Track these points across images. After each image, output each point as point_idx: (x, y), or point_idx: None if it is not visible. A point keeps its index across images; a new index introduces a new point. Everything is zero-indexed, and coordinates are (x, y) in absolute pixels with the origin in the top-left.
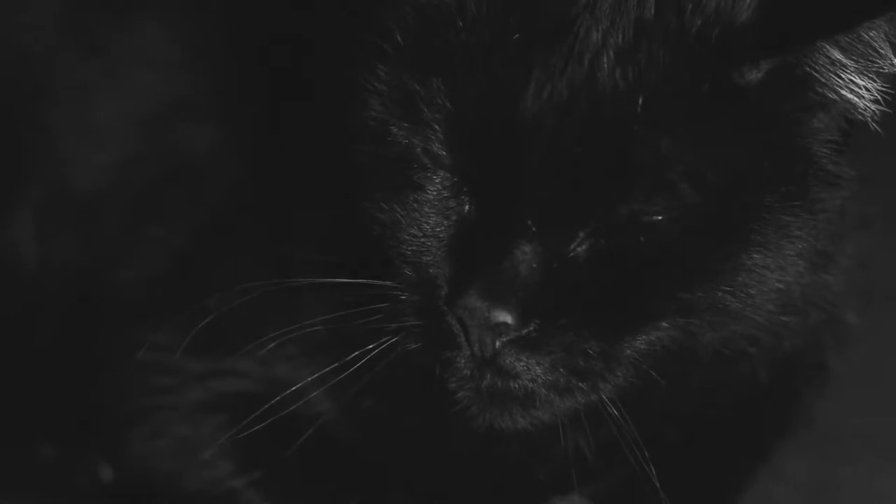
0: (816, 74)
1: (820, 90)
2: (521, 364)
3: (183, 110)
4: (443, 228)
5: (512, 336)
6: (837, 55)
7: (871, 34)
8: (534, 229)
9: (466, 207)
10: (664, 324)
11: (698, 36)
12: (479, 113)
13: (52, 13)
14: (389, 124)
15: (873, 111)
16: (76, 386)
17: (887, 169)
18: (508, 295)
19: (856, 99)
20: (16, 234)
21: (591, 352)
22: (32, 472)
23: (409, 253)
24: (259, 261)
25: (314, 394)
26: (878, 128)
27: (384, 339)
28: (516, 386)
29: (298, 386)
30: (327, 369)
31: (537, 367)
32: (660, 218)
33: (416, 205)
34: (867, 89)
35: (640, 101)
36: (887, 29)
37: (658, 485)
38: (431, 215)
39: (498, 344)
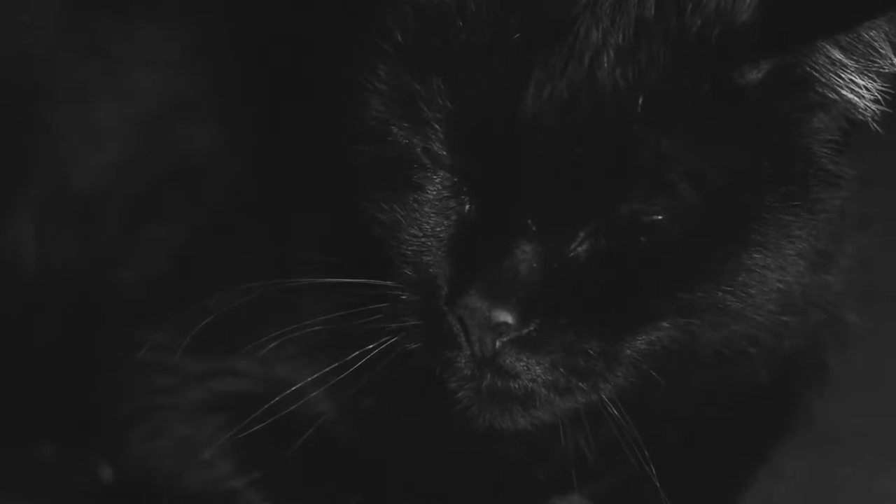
0: (817, 74)
1: (820, 90)
2: (522, 364)
3: (183, 110)
4: (443, 228)
5: (512, 336)
6: (838, 55)
7: (872, 34)
8: (534, 229)
9: (466, 207)
10: (664, 324)
11: (698, 36)
12: (479, 113)
13: (52, 13)
14: (390, 124)
15: (873, 111)
16: (76, 386)
17: (887, 169)
18: (509, 295)
19: (856, 99)
20: (16, 234)
21: (591, 352)
22: (32, 472)
23: (409, 253)
24: (259, 261)
25: (314, 394)
26: (878, 128)
27: (384, 339)
28: (516, 386)
29: (298, 386)
30: (327, 369)
31: (537, 367)
32: (660, 218)
33: (416, 205)
34: (867, 89)
35: (641, 100)
36: (887, 29)
37: (658, 485)
38: (431, 215)
39: (498, 344)
